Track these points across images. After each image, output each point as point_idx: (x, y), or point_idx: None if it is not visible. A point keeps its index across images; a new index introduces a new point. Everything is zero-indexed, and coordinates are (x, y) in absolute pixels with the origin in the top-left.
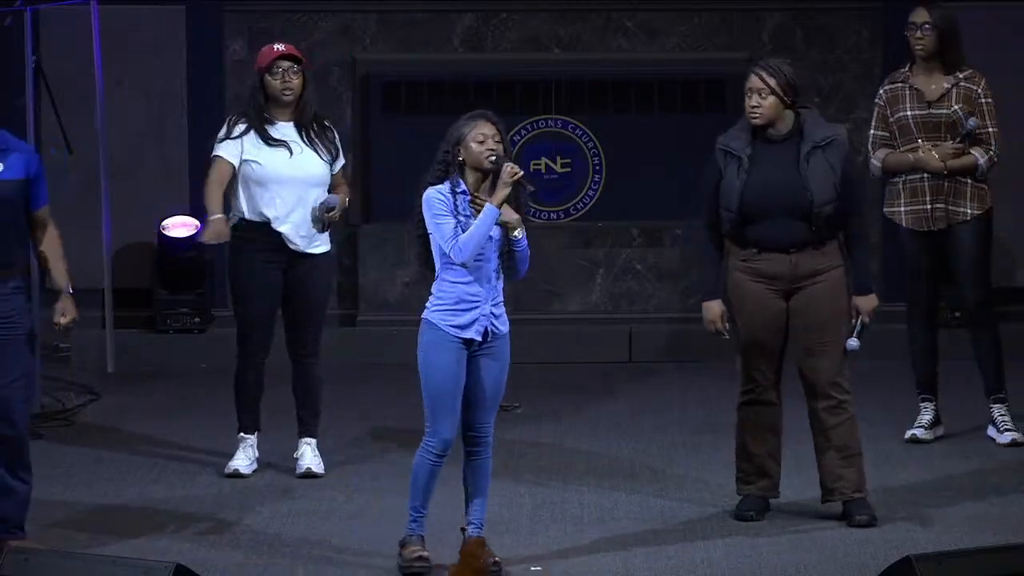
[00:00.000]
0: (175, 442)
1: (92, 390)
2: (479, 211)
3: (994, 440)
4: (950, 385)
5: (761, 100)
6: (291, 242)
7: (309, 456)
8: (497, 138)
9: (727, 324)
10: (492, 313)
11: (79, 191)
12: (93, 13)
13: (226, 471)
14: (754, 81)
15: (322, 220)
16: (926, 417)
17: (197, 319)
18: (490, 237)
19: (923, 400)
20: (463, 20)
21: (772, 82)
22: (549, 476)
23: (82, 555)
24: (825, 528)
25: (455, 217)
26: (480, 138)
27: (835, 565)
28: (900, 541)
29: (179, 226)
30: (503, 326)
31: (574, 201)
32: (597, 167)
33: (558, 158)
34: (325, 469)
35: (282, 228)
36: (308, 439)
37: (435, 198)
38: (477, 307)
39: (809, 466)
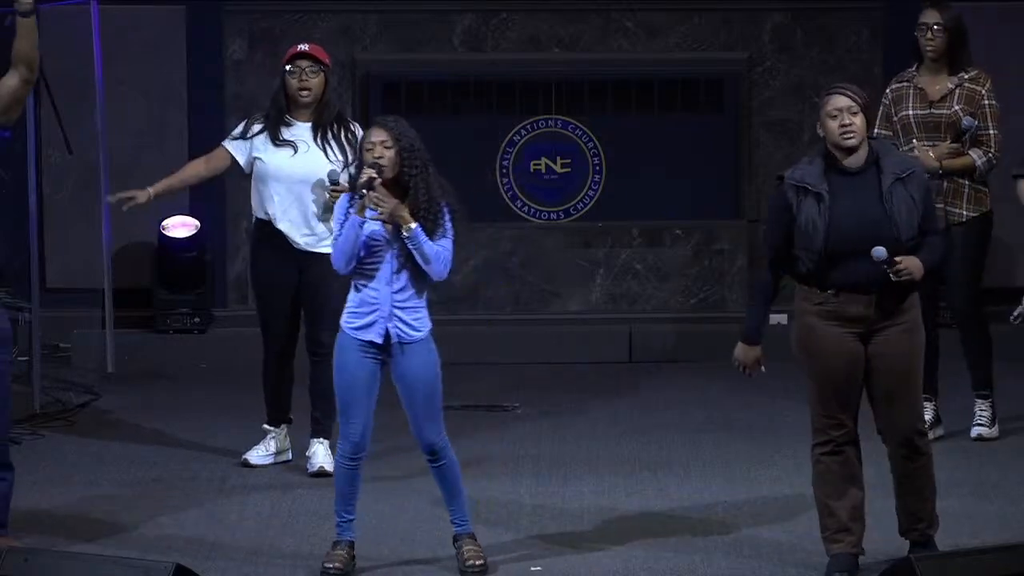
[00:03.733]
0: (175, 442)
1: (92, 390)
2: (384, 213)
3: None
4: (950, 384)
5: (852, 118)
6: (294, 240)
7: (322, 455)
8: (387, 143)
9: (761, 369)
10: (397, 316)
11: (79, 191)
12: (93, 13)
13: (240, 460)
14: (840, 100)
15: (325, 202)
16: (926, 416)
17: (197, 319)
18: (386, 239)
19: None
20: (463, 20)
21: (860, 100)
22: (549, 476)
23: (82, 555)
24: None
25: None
26: (368, 146)
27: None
28: (900, 541)
29: (179, 226)
30: (416, 331)
31: (574, 201)
32: (597, 167)
33: (558, 158)
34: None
35: (281, 226)
36: (321, 439)
37: (337, 205)
38: (376, 309)
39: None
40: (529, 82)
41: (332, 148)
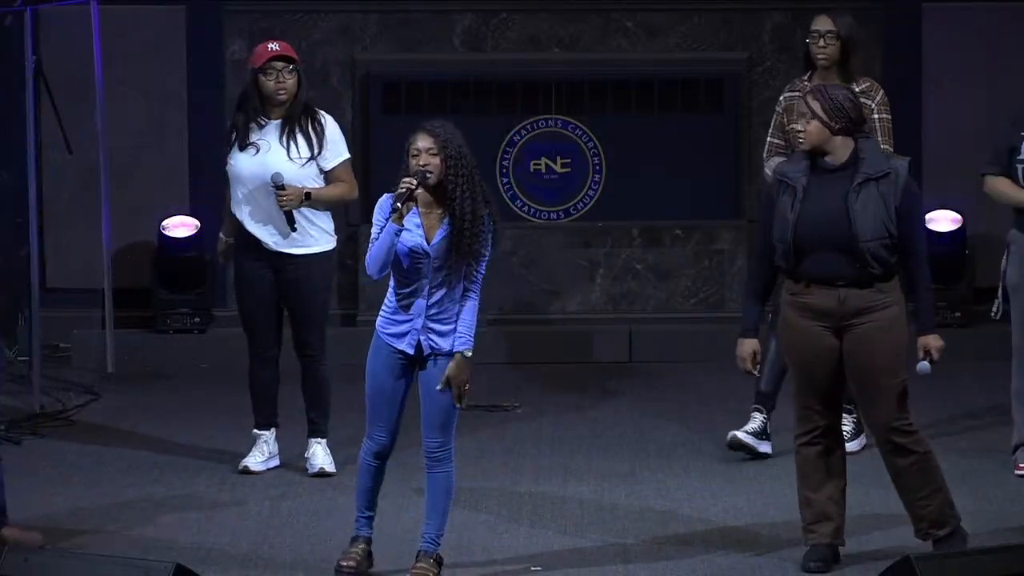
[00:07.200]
0: (175, 442)
1: (92, 390)
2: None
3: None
4: (946, 385)
5: (805, 125)
6: (264, 243)
7: (321, 455)
8: (433, 151)
9: (758, 365)
10: (430, 329)
11: (79, 191)
12: (93, 13)
13: (239, 468)
14: (800, 105)
15: (282, 209)
16: (846, 428)
17: (197, 319)
18: (426, 253)
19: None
20: (463, 20)
21: (816, 106)
22: (549, 476)
23: (82, 555)
24: None
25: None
26: (414, 152)
27: (835, 565)
28: (900, 541)
29: (179, 226)
30: (448, 342)
31: (574, 201)
32: (597, 167)
33: (558, 158)
34: None
35: (251, 228)
36: (319, 439)
37: (377, 206)
38: (410, 320)
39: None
40: (529, 82)
41: (296, 144)
